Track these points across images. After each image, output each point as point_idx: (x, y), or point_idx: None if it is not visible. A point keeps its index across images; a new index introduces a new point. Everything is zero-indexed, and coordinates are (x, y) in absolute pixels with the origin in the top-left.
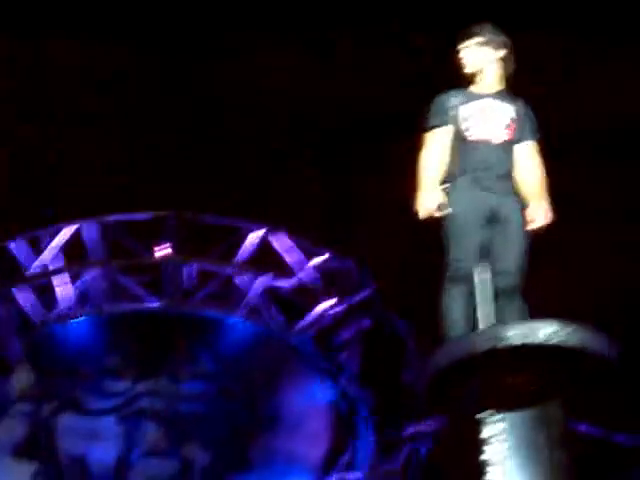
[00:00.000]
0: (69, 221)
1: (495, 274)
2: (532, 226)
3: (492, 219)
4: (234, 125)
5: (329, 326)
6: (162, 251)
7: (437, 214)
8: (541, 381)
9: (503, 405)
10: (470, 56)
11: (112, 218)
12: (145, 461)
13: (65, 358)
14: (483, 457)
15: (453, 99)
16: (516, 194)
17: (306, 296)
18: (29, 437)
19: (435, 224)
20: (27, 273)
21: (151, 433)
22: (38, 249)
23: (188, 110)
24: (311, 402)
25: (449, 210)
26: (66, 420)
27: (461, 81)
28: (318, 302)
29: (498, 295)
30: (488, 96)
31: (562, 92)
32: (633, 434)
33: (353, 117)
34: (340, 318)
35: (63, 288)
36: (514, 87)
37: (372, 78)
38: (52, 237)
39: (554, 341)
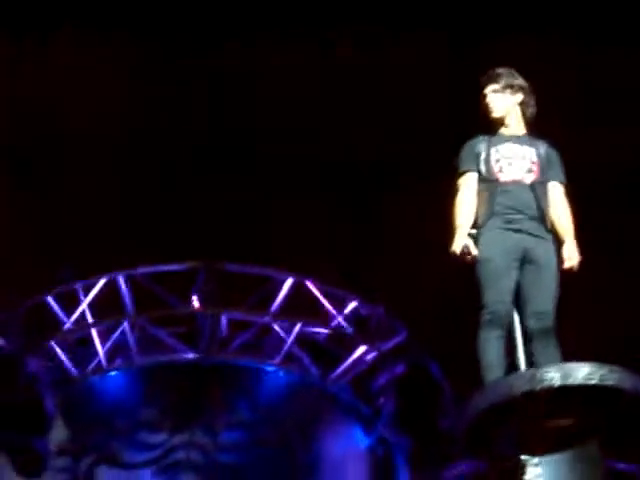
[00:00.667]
0: (100, 274)
1: (530, 316)
2: (566, 265)
3: (525, 260)
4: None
5: (364, 372)
6: (196, 302)
7: (469, 258)
8: (579, 422)
9: (541, 447)
10: (493, 101)
11: (144, 270)
12: None
13: (101, 412)
14: None
15: (480, 145)
16: (548, 234)
17: (339, 343)
18: None
19: (467, 266)
20: (63, 328)
21: None
22: (73, 302)
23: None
24: (349, 448)
25: (480, 254)
26: (104, 474)
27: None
28: (351, 349)
29: (532, 337)
30: (512, 139)
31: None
32: None
33: (382, 159)
34: (374, 364)
35: (98, 341)
36: (540, 129)
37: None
38: (86, 290)
39: (592, 382)
